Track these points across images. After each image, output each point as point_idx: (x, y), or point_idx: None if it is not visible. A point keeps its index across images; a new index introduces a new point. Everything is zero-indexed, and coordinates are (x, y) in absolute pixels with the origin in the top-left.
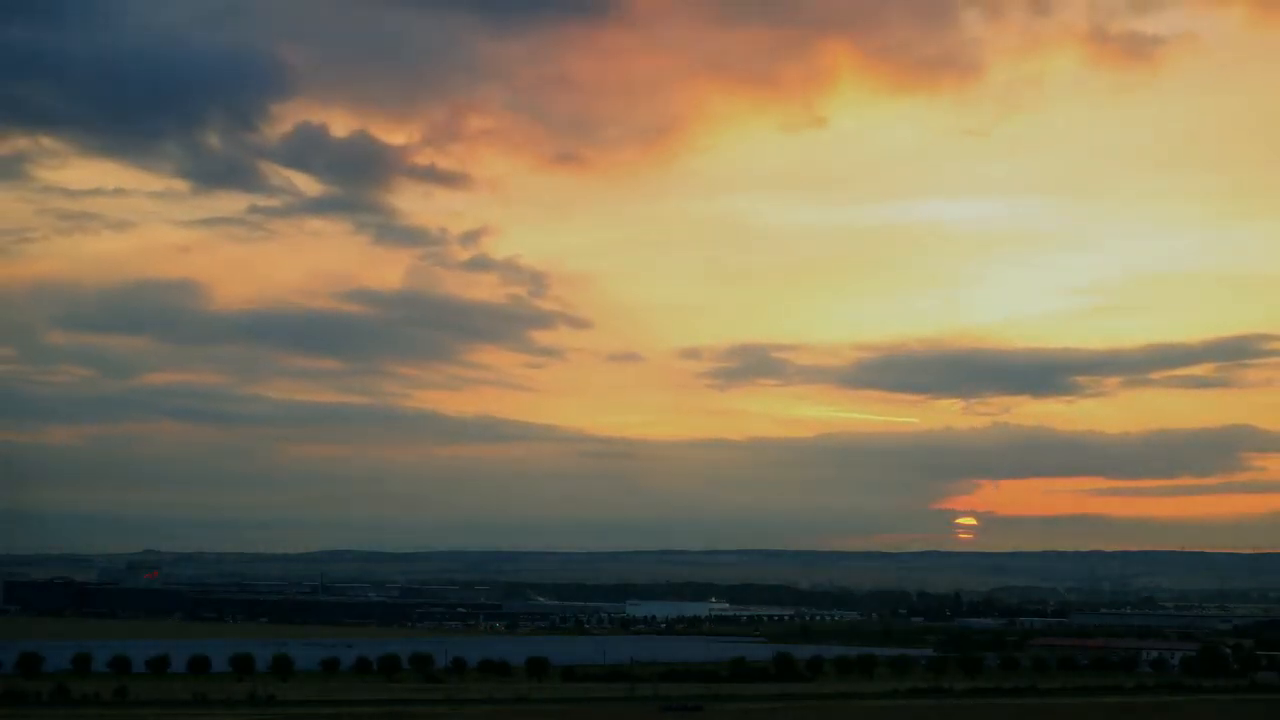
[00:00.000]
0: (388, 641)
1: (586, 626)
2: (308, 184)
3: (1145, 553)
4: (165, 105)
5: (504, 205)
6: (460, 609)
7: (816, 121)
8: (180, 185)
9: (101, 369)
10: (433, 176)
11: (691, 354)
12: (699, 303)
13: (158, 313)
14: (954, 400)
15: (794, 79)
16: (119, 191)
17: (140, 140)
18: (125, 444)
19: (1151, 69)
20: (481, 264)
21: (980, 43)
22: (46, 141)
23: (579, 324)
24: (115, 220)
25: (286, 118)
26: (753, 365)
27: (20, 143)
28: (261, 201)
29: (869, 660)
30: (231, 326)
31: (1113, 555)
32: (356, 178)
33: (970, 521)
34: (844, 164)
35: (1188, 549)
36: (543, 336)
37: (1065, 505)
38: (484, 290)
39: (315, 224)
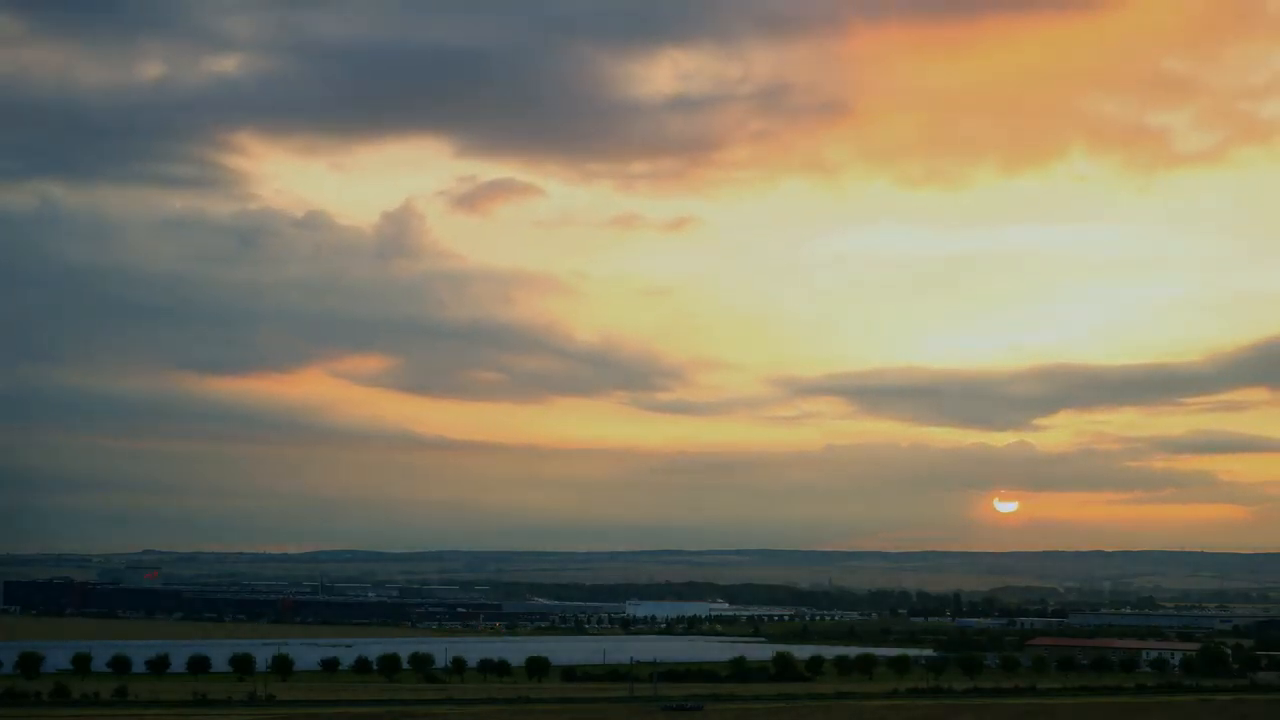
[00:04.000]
0: (388, 641)
1: (586, 626)
2: None
3: (1145, 553)
4: None
5: None
6: (460, 609)
7: None
8: None
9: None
10: None
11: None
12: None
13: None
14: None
15: None
16: None
17: None
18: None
19: None
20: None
21: None
22: None
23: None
24: None
25: None
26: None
27: None
28: None
29: (869, 660)
30: None
31: (1113, 555)
32: None
33: (1012, 505)
34: None
35: (1188, 549)
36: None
37: (1067, 510)
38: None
39: None
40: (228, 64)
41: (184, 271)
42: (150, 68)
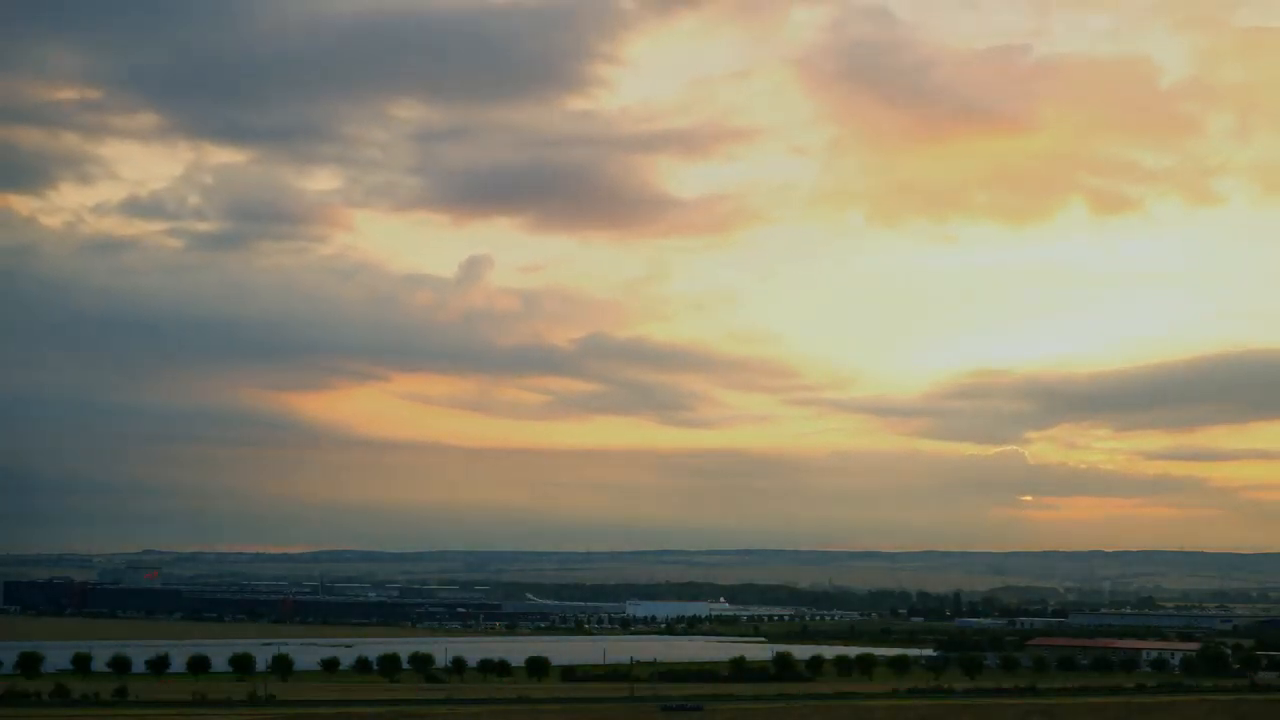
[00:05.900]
0: (388, 641)
1: (586, 626)
2: None
3: (1145, 553)
4: None
5: None
6: (460, 609)
7: None
8: None
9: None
10: None
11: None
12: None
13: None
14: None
15: None
16: None
17: None
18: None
19: None
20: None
21: None
22: None
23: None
24: None
25: None
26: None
27: None
28: None
29: (869, 660)
30: None
31: (1113, 555)
32: None
33: (1010, 507)
34: None
35: (1187, 549)
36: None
37: (1066, 512)
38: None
39: None
40: (377, 179)
41: (284, 315)
42: (323, 183)
